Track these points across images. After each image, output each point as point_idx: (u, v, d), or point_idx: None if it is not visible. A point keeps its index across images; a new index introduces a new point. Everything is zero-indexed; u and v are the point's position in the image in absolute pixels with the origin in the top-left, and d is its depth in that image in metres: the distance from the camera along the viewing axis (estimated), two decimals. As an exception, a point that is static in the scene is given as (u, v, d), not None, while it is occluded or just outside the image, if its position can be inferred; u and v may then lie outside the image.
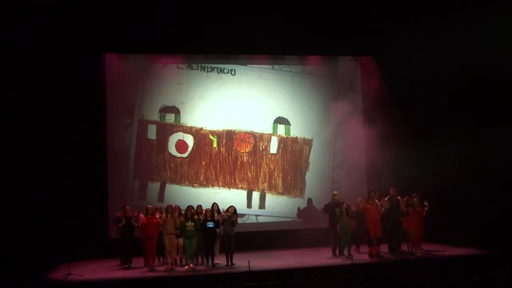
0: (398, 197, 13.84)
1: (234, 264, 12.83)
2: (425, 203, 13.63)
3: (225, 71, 16.68)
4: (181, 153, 16.32)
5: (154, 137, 16.17)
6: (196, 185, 16.24)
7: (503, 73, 13.70)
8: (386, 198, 13.92)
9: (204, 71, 16.55)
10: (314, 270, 11.80)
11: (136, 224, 12.93)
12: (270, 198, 16.66)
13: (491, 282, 9.47)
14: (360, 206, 13.96)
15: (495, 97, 14.13)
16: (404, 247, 13.87)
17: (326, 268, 12.10)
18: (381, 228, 13.66)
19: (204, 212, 13.07)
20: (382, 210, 13.62)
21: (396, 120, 15.81)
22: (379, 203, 13.74)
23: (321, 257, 13.78)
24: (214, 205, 13.39)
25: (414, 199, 13.72)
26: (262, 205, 16.59)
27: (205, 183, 16.32)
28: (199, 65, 16.51)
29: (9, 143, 12.79)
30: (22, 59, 12.95)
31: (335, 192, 14.85)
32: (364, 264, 12.65)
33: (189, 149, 16.36)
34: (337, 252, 13.87)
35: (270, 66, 17.01)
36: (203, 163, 16.39)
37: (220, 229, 13.10)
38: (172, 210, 12.99)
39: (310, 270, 11.85)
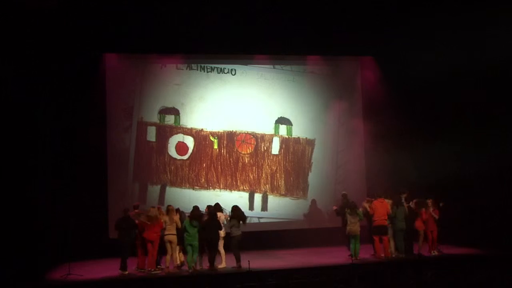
0: (408, 198, 14.28)
1: (241, 267, 12.99)
2: (440, 204, 14.22)
3: (225, 71, 17.22)
4: (182, 155, 16.82)
5: (153, 139, 16.67)
6: (197, 187, 16.73)
7: (504, 73, 14.21)
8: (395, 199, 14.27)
9: (204, 71, 17.08)
10: (314, 270, 12.30)
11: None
12: (272, 200, 17.15)
13: (491, 282, 9.92)
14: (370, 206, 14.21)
15: (495, 97, 14.57)
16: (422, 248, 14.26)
17: (326, 268, 12.57)
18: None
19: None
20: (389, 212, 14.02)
21: (396, 120, 16.52)
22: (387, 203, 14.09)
23: (321, 257, 14.29)
24: (217, 205, 13.67)
25: (427, 200, 14.18)
26: (264, 207, 17.07)
27: (206, 186, 16.81)
28: (198, 65, 17.04)
29: (9, 144, 13.44)
30: (22, 59, 13.59)
31: (344, 192, 15.28)
32: (364, 264, 13.10)
33: (190, 151, 16.85)
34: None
35: (271, 66, 17.52)
36: (204, 165, 16.88)
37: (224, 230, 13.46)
38: (174, 211, 13.15)
39: (310, 270, 12.34)
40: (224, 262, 13.44)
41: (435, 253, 14.14)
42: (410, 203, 14.21)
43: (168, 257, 12.92)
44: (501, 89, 14.51)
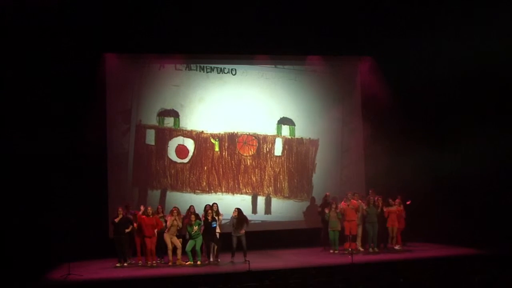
0: (377, 198, 16.16)
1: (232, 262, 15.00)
2: (407, 202, 16.20)
3: (225, 71, 18.22)
4: (182, 159, 17.82)
5: (152, 143, 17.67)
6: (198, 191, 17.72)
7: (504, 73, 15.26)
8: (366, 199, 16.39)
9: (204, 72, 18.07)
10: (314, 270, 13.28)
11: (134, 223, 15.01)
12: (276, 202, 18.17)
13: (491, 282, 10.69)
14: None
15: (496, 98, 15.69)
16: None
17: (326, 268, 13.58)
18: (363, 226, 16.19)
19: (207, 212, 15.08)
20: (361, 210, 16.04)
21: (396, 120, 17.78)
22: (357, 204, 16.19)
23: (321, 257, 15.45)
24: (214, 205, 15.34)
25: (396, 200, 16.11)
26: (268, 210, 18.08)
27: (207, 189, 17.81)
28: (198, 65, 18.02)
29: (9, 145, 14.73)
30: (21, 59, 14.87)
31: (327, 193, 16.93)
32: (364, 264, 14.13)
33: (190, 154, 17.85)
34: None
35: (272, 65, 18.51)
36: (205, 168, 17.88)
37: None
38: (178, 213, 15.05)
39: (310, 270, 13.32)
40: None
41: (401, 247, 16.12)
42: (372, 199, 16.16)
43: (170, 253, 14.88)
44: (502, 89, 15.59)
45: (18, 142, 15.08)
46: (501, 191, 15.54)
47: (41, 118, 15.75)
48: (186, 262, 14.88)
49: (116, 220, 14.89)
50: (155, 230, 14.95)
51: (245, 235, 15.30)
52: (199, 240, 14.86)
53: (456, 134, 16.45)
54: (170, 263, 14.88)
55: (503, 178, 15.47)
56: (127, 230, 14.87)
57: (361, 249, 16.19)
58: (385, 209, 16.07)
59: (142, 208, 15.43)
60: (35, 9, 14.57)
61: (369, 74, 18.82)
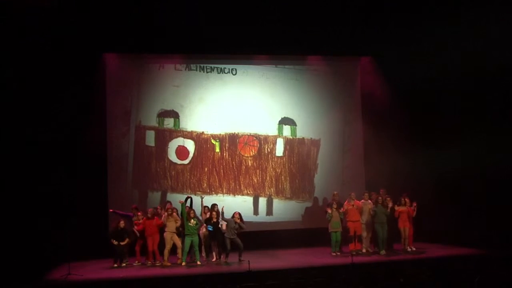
0: (387, 198, 16.37)
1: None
2: (414, 204, 16.31)
3: (226, 71, 18.61)
4: (182, 160, 18.21)
5: (152, 144, 18.07)
6: (199, 193, 17.91)
7: (505, 72, 15.59)
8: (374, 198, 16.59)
9: (204, 72, 18.45)
10: (314, 270, 13.70)
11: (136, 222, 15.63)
12: (277, 203, 18.53)
13: (491, 282, 11.03)
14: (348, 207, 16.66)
15: (496, 98, 16.06)
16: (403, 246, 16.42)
17: (326, 268, 14.00)
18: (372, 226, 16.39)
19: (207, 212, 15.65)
20: (368, 210, 16.31)
21: (397, 120, 18.23)
22: (360, 204, 16.51)
23: (321, 257, 15.81)
24: (214, 206, 15.79)
25: (406, 199, 16.29)
26: (269, 211, 18.45)
27: (208, 191, 18.15)
28: (198, 65, 18.41)
29: (9, 145, 15.21)
30: (21, 59, 15.31)
31: (335, 192, 17.16)
32: (364, 264, 14.52)
33: (190, 155, 18.24)
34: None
35: (273, 64, 18.91)
36: (206, 169, 18.27)
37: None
38: (172, 210, 15.48)
39: (310, 270, 13.74)
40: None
41: (412, 248, 16.24)
42: (380, 199, 16.35)
43: (166, 252, 15.33)
44: (502, 88, 15.97)
45: (17, 142, 15.58)
46: (501, 191, 15.87)
47: (41, 119, 16.18)
48: (183, 262, 15.33)
49: (109, 231, 15.63)
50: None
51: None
52: (196, 238, 15.35)
53: (456, 134, 16.77)
54: (168, 264, 15.23)
55: (503, 178, 15.77)
56: (122, 243, 15.41)
57: (370, 250, 16.43)
58: (396, 208, 16.15)
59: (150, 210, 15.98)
60: (35, 9, 15.00)
61: (369, 74, 19.23)
